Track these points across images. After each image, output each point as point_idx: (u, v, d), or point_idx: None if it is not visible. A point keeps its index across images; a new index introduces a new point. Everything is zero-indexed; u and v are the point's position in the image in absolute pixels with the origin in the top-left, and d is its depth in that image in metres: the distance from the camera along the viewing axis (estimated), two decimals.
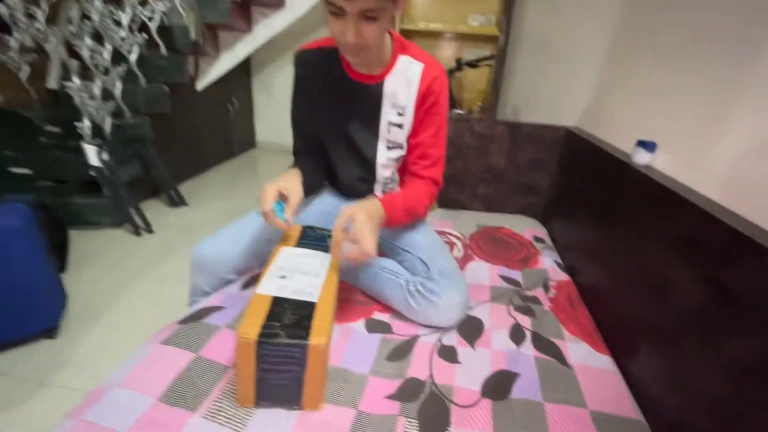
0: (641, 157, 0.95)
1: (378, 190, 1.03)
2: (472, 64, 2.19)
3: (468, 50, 2.81)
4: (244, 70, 3.25)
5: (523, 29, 2.31)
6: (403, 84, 0.88)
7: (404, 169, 1.03)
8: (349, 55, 0.81)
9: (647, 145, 0.93)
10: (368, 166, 0.98)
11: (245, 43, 2.67)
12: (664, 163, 0.91)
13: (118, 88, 2.05)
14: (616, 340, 0.87)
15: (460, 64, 2.20)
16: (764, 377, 0.51)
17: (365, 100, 0.90)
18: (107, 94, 2.01)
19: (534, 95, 2.01)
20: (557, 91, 1.68)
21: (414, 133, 0.94)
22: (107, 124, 1.96)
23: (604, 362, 0.82)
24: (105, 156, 1.84)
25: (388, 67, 0.88)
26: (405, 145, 0.96)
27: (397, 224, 0.90)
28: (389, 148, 0.96)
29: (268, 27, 2.63)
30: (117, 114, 2.08)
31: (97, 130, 1.91)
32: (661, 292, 0.75)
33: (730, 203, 0.69)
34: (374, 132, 0.93)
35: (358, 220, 0.72)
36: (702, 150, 0.80)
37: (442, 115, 0.92)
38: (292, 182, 0.81)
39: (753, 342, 0.53)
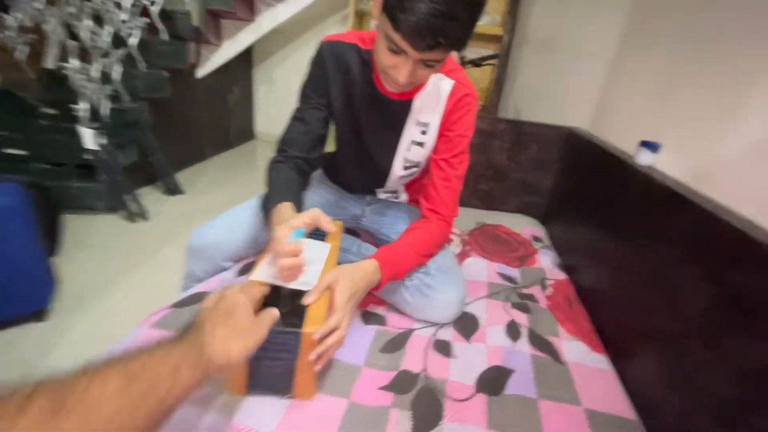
0: (644, 158, 0.94)
1: (380, 195, 1.02)
2: (476, 63, 2.17)
3: (471, 49, 2.80)
4: (246, 60, 3.22)
5: (528, 28, 2.30)
6: (431, 100, 0.83)
7: (417, 187, 1.01)
8: (390, 86, 0.74)
9: (650, 146, 0.92)
10: (378, 177, 0.95)
11: (248, 32, 2.65)
12: (668, 164, 0.91)
13: (117, 72, 2.02)
14: (615, 340, 0.87)
15: (463, 63, 2.18)
16: None
17: (389, 115, 0.85)
18: (106, 78, 1.98)
19: (537, 95, 2.00)
20: (561, 91, 1.67)
21: (435, 151, 0.88)
22: (105, 108, 1.94)
23: (600, 361, 0.81)
24: (102, 140, 1.81)
25: (420, 85, 0.81)
26: (423, 163, 0.92)
27: (404, 276, 0.83)
28: (405, 167, 0.91)
29: (272, 17, 2.60)
30: (115, 98, 2.05)
31: (94, 114, 1.89)
32: (664, 294, 0.74)
33: (734, 204, 0.68)
34: (393, 149, 0.89)
35: (338, 289, 0.63)
36: (706, 151, 0.79)
37: (463, 136, 0.85)
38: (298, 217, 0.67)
39: (757, 344, 0.52)
